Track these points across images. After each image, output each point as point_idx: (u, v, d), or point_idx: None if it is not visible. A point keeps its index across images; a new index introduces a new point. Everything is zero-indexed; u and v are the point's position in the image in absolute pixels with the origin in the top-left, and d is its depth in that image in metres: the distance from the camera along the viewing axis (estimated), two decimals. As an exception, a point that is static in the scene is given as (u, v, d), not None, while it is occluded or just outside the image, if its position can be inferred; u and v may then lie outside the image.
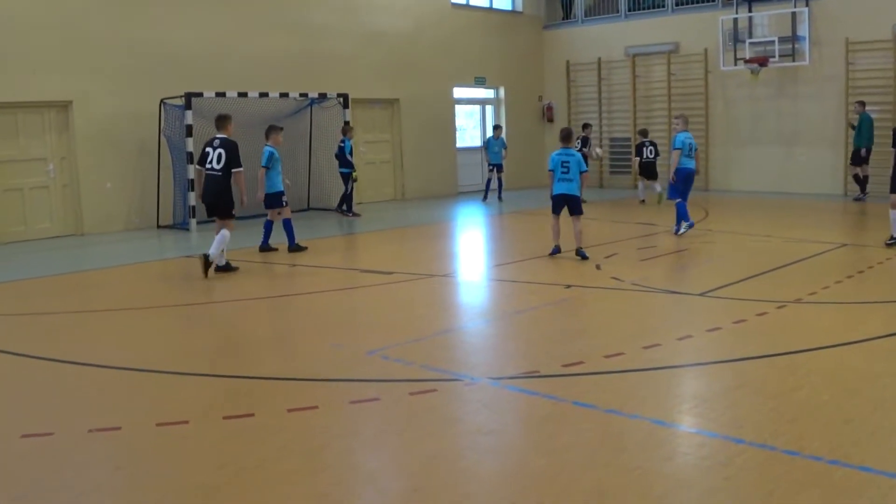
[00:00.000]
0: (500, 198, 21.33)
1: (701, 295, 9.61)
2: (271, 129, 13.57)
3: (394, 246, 14.88)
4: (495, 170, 21.14)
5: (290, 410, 6.03)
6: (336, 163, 18.66)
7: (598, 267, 11.55)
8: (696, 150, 14.61)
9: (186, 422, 5.87)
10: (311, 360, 7.48)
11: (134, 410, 6.22)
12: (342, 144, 18.36)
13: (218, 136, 11.91)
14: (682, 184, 14.35)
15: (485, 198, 21.16)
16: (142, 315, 9.71)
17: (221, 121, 12.04)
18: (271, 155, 13.42)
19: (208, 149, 11.91)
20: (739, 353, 7.23)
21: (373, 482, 4.96)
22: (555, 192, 12.47)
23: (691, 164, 14.45)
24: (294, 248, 13.59)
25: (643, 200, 19.98)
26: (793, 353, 7.18)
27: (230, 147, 11.71)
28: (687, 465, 4.98)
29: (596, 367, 6.88)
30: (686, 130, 14.61)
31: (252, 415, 5.97)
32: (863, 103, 19.29)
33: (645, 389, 6.40)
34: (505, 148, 21.33)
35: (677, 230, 14.28)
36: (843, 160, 20.38)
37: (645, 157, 19.89)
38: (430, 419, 5.88)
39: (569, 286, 10.31)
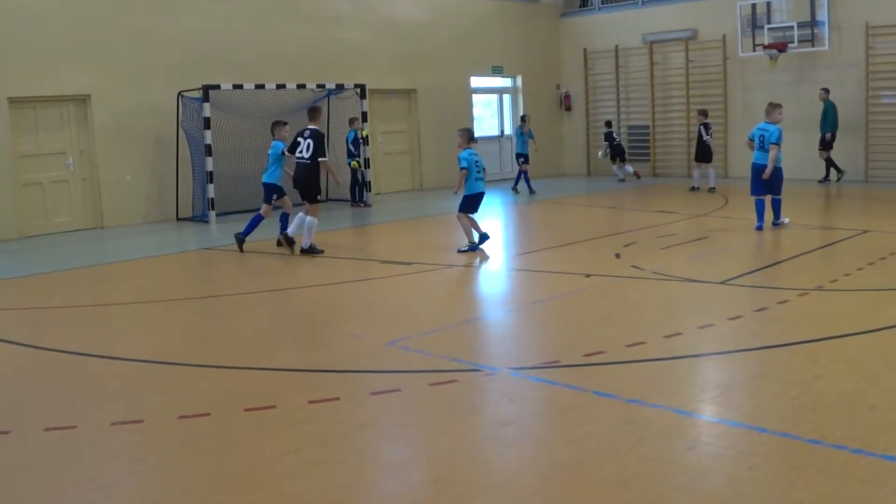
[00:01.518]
0: (514, 188, 21.13)
1: (722, 283, 9.56)
2: (277, 125, 13.17)
3: (412, 236, 14.88)
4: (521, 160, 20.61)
5: (311, 402, 6.04)
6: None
7: (617, 256, 11.51)
8: (767, 141, 12.67)
9: (208, 414, 5.89)
10: (331, 352, 7.49)
11: (155, 403, 6.25)
12: (348, 135, 18.51)
13: (309, 126, 12.54)
14: (753, 179, 13.04)
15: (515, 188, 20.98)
16: (162, 308, 9.75)
17: (313, 112, 12.82)
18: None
19: (299, 139, 12.51)
20: (761, 342, 7.19)
21: (393, 473, 4.96)
22: (477, 191, 12.53)
23: (761, 158, 12.81)
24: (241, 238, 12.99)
25: (697, 188, 19.37)
26: (815, 341, 7.13)
27: (317, 137, 12.39)
28: (709, 454, 4.96)
29: (617, 356, 6.85)
30: (767, 120, 12.90)
31: (273, 406, 5.98)
32: (827, 90, 19.80)
33: (666, 378, 6.37)
34: (531, 137, 20.72)
35: (775, 222, 13.15)
36: (863, 146, 20.24)
37: (703, 138, 19.25)
38: (451, 410, 5.88)
39: (588, 275, 10.28)
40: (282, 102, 18.50)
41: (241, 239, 13.00)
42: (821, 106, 19.84)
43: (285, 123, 13.35)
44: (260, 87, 17.58)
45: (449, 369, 6.70)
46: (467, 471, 4.87)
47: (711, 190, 18.94)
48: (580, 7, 25.71)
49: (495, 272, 11.62)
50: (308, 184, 12.42)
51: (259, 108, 18.13)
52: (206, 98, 16.60)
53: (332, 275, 11.25)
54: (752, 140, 13.03)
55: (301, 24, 19.51)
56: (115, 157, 16.81)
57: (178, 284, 11.45)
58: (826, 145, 19.84)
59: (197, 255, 13.75)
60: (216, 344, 8.05)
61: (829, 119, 19.64)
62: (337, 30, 20.25)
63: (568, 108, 25.66)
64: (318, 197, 12.62)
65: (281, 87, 17.92)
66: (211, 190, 16.86)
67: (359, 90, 19.24)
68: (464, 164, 12.41)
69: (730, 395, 5.90)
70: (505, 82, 25.06)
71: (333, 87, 19.18)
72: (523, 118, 21.21)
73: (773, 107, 13.05)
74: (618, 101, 24.65)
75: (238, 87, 17.25)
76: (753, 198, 13.12)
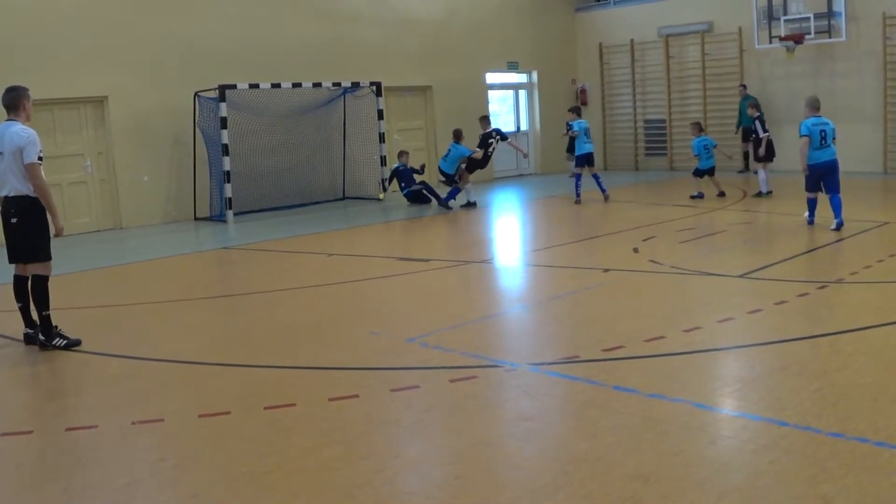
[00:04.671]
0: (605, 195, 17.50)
1: (741, 276, 9.52)
2: (485, 119, 18.58)
3: (430, 233, 14.89)
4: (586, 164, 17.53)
5: (331, 399, 6.05)
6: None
7: (635, 250, 11.48)
8: (832, 137, 12.12)
9: (228, 412, 5.91)
10: (350, 349, 7.50)
11: (176, 402, 6.28)
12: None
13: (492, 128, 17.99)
14: (813, 177, 12.27)
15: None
16: (181, 307, 9.79)
17: (485, 119, 18.38)
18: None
19: (491, 140, 17.78)
20: (781, 335, 7.15)
21: (414, 469, 4.97)
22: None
23: (825, 155, 12.05)
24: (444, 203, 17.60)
25: (768, 192, 16.64)
26: (836, 333, 7.10)
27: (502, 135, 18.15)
28: (730, 448, 4.94)
29: (636, 350, 6.84)
30: (815, 115, 12.28)
31: (293, 404, 6.00)
32: (745, 86, 21.00)
33: (686, 373, 6.35)
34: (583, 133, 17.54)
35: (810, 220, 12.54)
36: (882, 137, 20.11)
37: (761, 135, 17.00)
38: (471, 406, 5.88)
39: (607, 270, 10.26)
40: (298, 101, 18.57)
41: (445, 203, 17.46)
42: (847, 98, 19.80)
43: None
44: (276, 86, 17.64)
45: (469, 365, 6.70)
46: (488, 466, 4.87)
47: (768, 194, 16.66)
48: (595, 1, 25.64)
49: (514, 268, 11.62)
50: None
51: (275, 107, 18.19)
52: (222, 98, 16.66)
53: (351, 272, 11.27)
54: (807, 136, 12.02)
55: (316, 22, 19.53)
56: (133, 158, 16.88)
57: (197, 284, 11.50)
58: (747, 138, 20.07)
59: (215, 254, 13.80)
60: (235, 342, 8.08)
61: (745, 113, 20.00)
62: (352, 28, 20.26)
63: (584, 103, 25.55)
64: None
65: (297, 85, 17.97)
66: (228, 189, 16.91)
67: (374, 88, 19.27)
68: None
69: (750, 389, 5.88)
70: (520, 78, 25.01)
71: (349, 85, 19.21)
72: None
73: (812, 101, 12.51)
74: (634, 96, 24.57)
75: (254, 86, 17.31)
76: (808, 195, 12.43)
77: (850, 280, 9.08)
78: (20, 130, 7.71)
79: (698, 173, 16.99)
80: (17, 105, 7.84)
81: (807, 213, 12.65)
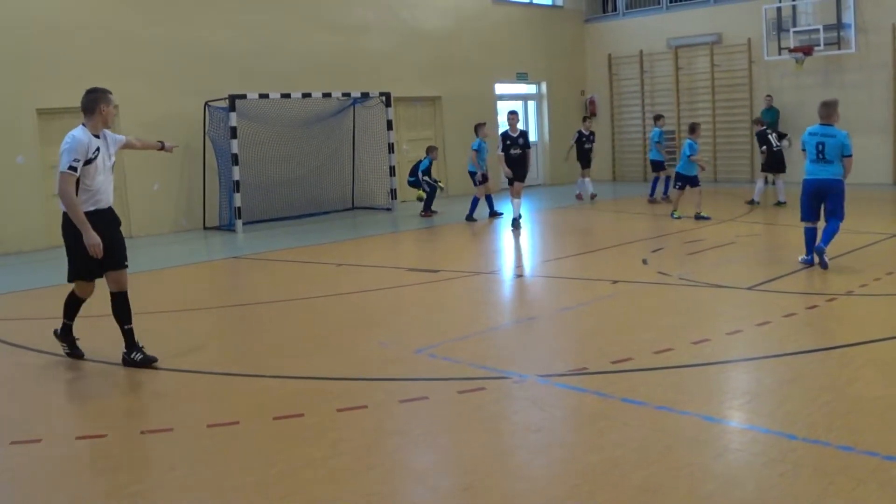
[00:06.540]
0: (663, 195, 18.86)
1: (749, 289, 9.50)
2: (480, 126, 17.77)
3: (439, 244, 14.89)
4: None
5: (339, 410, 6.06)
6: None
7: (644, 262, 11.47)
8: (831, 150, 10.21)
9: (237, 422, 5.92)
10: (359, 360, 7.51)
11: (185, 411, 6.29)
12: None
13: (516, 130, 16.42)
14: (805, 199, 10.55)
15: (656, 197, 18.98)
16: (190, 316, 9.81)
17: (512, 115, 16.49)
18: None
19: (508, 141, 15.92)
20: (790, 347, 7.14)
21: (423, 481, 4.97)
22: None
23: (819, 172, 10.26)
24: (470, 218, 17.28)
25: (756, 202, 17.24)
26: (845, 346, 7.07)
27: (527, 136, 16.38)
28: (739, 461, 4.93)
29: (645, 363, 6.83)
30: (826, 122, 10.49)
31: (302, 415, 6.01)
32: (770, 97, 21.13)
33: (695, 385, 6.34)
34: (659, 142, 19.25)
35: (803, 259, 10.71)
36: (891, 148, 20.08)
37: (775, 146, 17.06)
38: (479, 417, 5.88)
39: (615, 282, 10.25)
40: (308, 111, 18.62)
41: (471, 218, 17.20)
42: (856, 110, 19.88)
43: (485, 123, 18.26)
44: (286, 96, 17.69)
45: (477, 377, 6.70)
46: (497, 478, 4.87)
47: (783, 203, 16.77)
48: (604, 12, 25.69)
49: (522, 279, 11.61)
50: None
51: (285, 117, 18.25)
52: (232, 107, 16.71)
53: (360, 283, 11.28)
54: (804, 150, 10.60)
55: (326, 33, 19.60)
56: (143, 166, 16.92)
57: (206, 293, 11.52)
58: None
59: (224, 263, 13.83)
60: (244, 352, 8.09)
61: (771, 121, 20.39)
62: (362, 38, 20.33)
63: (593, 114, 25.59)
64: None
65: (307, 96, 18.02)
66: (238, 199, 16.95)
67: (384, 98, 19.32)
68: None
69: (759, 402, 5.87)
70: (530, 89, 25.06)
71: (359, 95, 19.26)
72: (657, 118, 19.83)
73: (832, 106, 10.61)
74: (643, 107, 24.58)
75: (264, 96, 17.37)
76: (803, 224, 10.64)
77: (859, 292, 9.05)
78: (67, 136, 7.47)
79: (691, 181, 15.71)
80: (94, 108, 7.59)
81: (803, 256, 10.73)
